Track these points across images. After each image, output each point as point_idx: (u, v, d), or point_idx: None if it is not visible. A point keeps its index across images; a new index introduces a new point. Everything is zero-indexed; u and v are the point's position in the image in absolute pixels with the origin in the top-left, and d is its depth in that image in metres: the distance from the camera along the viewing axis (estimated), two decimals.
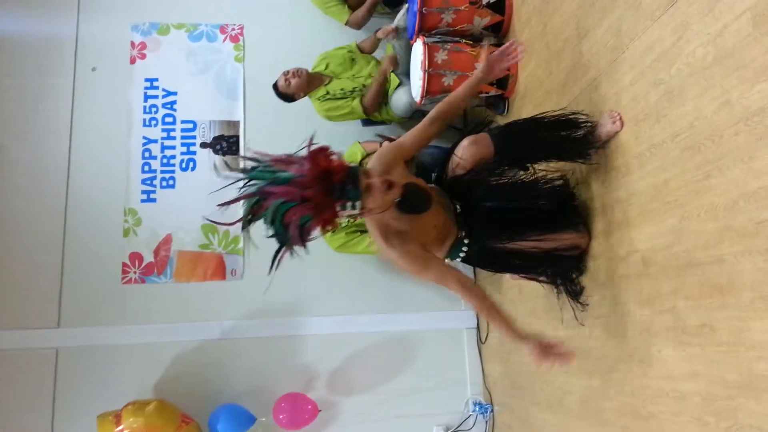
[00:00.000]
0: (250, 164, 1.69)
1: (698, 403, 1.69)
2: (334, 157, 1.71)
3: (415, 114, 3.58)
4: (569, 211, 2.32)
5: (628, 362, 2.06)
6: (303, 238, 1.69)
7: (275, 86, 3.54)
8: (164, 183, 3.91)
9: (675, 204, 1.78)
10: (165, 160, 3.94)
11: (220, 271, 3.81)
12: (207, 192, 3.83)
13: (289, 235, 1.66)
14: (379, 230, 1.94)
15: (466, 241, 2.16)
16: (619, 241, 2.10)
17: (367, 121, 3.80)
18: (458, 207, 2.15)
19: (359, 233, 3.40)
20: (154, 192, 3.88)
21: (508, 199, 2.20)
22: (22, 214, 3.74)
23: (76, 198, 3.80)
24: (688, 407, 1.74)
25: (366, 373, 3.71)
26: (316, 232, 1.71)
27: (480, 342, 3.69)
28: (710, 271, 1.64)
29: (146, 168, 3.91)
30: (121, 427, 3.16)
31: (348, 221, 3.34)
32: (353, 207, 1.72)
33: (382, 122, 3.75)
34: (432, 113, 2.11)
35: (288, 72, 3.48)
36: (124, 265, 3.76)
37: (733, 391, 1.56)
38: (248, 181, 1.68)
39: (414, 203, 1.89)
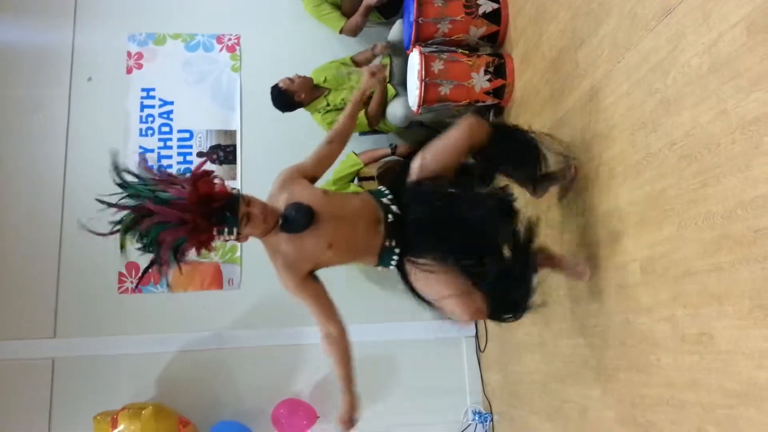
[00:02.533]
0: (132, 178, 1.74)
1: (698, 412, 1.69)
2: (216, 182, 1.80)
3: (412, 124, 3.59)
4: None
5: (627, 371, 2.06)
6: (176, 259, 1.75)
7: (275, 87, 3.43)
8: None
9: (672, 212, 1.79)
10: (162, 170, 3.93)
11: (217, 280, 3.79)
12: None
13: (161, 255, 1.72)
14: (270, 250, 1.97)
15: (396, 251, 2.08)
16: (616, 250, 2.10)
17: (364, 131, 3.81)
18: (390, 216, 2.06)
19: None
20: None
21: (452, 215, 2.08)
22: (18, 224, 3.73)
23: (72, 207, 3.79)
24: (688, 416, 1.74)
25: (364, 382, 3.69)
26: (191, 253, 1.77)
27: (479, 351, 3.68)
28: (708, 280, 1.64)
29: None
30: (117, 430, 3.16)
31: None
32: (230, 232, 1.80)
33: (379, 132, 3.76)
34: (329, 134, 2.18)
35: (291, 76, 3.43)
36: (121, 274, 3.74)
37: (733, 400, 1.56)
38: (128, 196, 1.72)
39: (293, 223, 1.88)
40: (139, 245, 1.73)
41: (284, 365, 3.68)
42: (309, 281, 2.00)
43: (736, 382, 1.55)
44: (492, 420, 3.51)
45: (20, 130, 3.85)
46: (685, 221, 1.74)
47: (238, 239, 1.87)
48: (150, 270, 1.77)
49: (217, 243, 1.84)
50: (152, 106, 4.01)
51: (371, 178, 3.34)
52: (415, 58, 3.05)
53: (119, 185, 1.73)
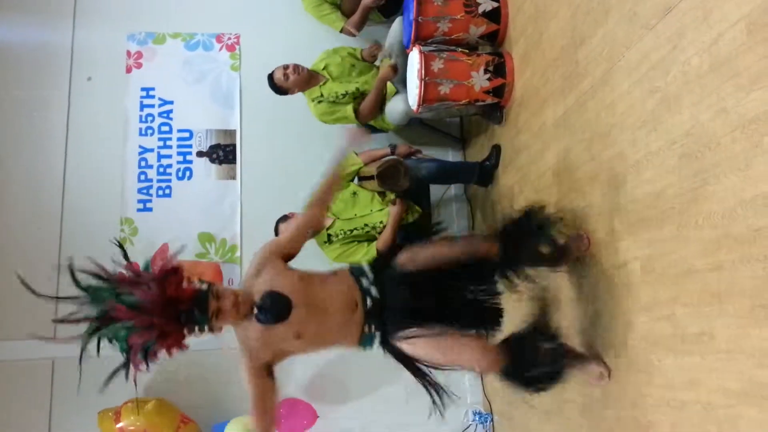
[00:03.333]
0: (92, 280, 1.66)
1: (699, 411, 1.69)
2: (185, 277, 1.74)
3: (412, 121, 3.58)
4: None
5: (627, 371, 2.05)
6: (147, 361, 1.71)
7: (270, 77, 3.49)
8: (160, 192, 3.90)
9: (673, 211, 1.79)
10: (161, 169, 3.93)
11: (217, 280, 3.79)
12: (204, 201, 3.88)
13: (131, 358, 1.67)
14: (239, 333, 1.92)
15: (377, 334, 2.03)
16: (617, 249, 2.10)
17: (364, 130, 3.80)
18: (369, 300, 1.99)
19: (356, 243, 3.40)
20: (150, 201, 3.87)
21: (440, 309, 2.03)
22: (18, 224, 3.73)
23: (72, 208, 3.79)
24: (689, 416, 1.73)
25: (364, 382, 3.69)
26: (162, 354, 1.73)
27: None
28: (709, 279, 1.64)
29: (142, 177, 3.91)
30: (121, 425, 3.20)
31: (342, 234, 3.34)
32: (201, 330, 1.75)
33: (378, 130, 3.75)
34: (309, 203, 2.11)
35: (288, 66, 3.44)
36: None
37: (734, 400, 1.56)
38: (90, 300, 1.65)
39: (268, 316, 1.84)
40: (113, 346, 1.69)
41: (285, 365, 3.66)
42: (262, 373, 1.91)
43: (736, 381, 1.55)
44: (492, 420, 3.51)
45: (20, 130, 3.85)
46: (685, 220, 1.73)
47: (212, 332, 1.81)
48: (119, 371, 1.73)
49: (190, 341, 1.77)
50: (152, 106, 4.00)
51: (371, 177, 3.33)
52: (414, 57, 3.04)
53: (79, 288, 1.66)
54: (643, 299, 1.95)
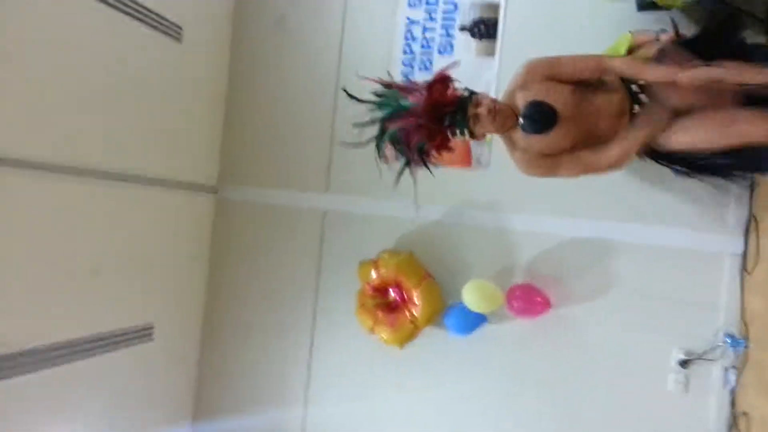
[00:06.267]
0: (380, 89, 1.95)
1: None
2: (452, 86, 1.90)
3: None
4: None
5: None
6: (423, 160, 1.96)
7: None
8: (422, 66, 3.97)
9: None
10: (425, 43, 3.98)
11: (466, 159, 3.84)
12: (461, 77, 3.82)
13: (409, 155, 1.93)
14: (507, 143, 2.04)
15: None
16: None
17: (643, 5, 3.33)
18: (637, 107, 2.06)
19: None
20: (411, 75, 3.98)
21: None
22: (299, 87, 4.17)
23: (345, 74, 4.07)
24: None
25: (603, 280, 3.55)
26: (434, 154, 1.96)
27: (744, 271, 3.24)
28: None
29: (407, 50, 4.01)
30: (377, 271, 3.70)
31: None
32: (462, 133, 1.93)
33: (658, 7, 3.24)
34: (610, 61, 2.01)
35: None
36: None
37: None
38: (378, 104, 1.93)
39: (531, 125, 1.90)
40: (393, 146, 1.98)
41: (522, 251, 3.68)
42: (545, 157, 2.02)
43: None
44: (746, 347, 3.14)
45: None
46: None
47: (474, 138, 1.98)
48: (405, 168, 2.02)
49: (455, 143, 2.00)
50: None
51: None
52: None
53: (375, 95, 1.98)
54: None
